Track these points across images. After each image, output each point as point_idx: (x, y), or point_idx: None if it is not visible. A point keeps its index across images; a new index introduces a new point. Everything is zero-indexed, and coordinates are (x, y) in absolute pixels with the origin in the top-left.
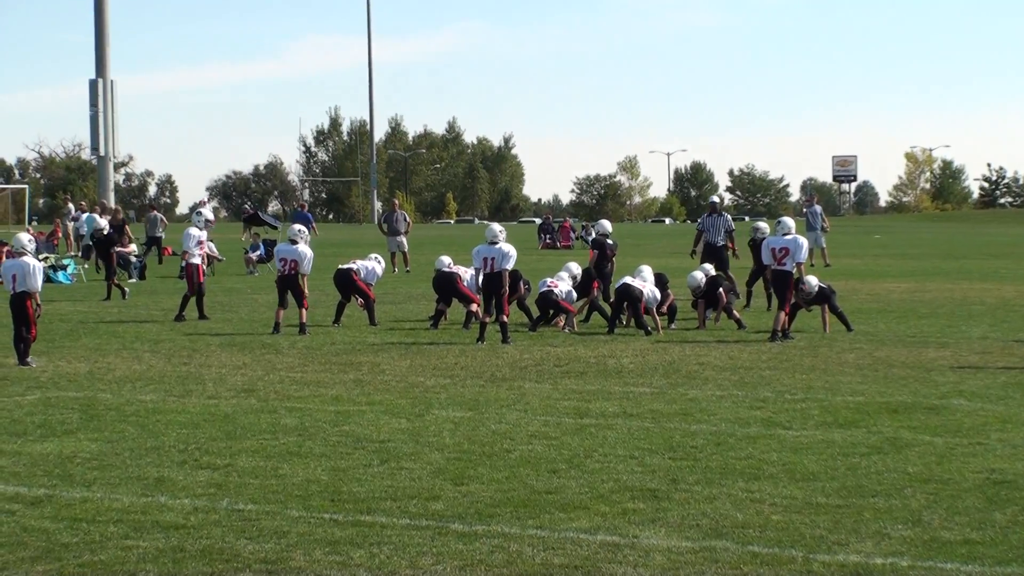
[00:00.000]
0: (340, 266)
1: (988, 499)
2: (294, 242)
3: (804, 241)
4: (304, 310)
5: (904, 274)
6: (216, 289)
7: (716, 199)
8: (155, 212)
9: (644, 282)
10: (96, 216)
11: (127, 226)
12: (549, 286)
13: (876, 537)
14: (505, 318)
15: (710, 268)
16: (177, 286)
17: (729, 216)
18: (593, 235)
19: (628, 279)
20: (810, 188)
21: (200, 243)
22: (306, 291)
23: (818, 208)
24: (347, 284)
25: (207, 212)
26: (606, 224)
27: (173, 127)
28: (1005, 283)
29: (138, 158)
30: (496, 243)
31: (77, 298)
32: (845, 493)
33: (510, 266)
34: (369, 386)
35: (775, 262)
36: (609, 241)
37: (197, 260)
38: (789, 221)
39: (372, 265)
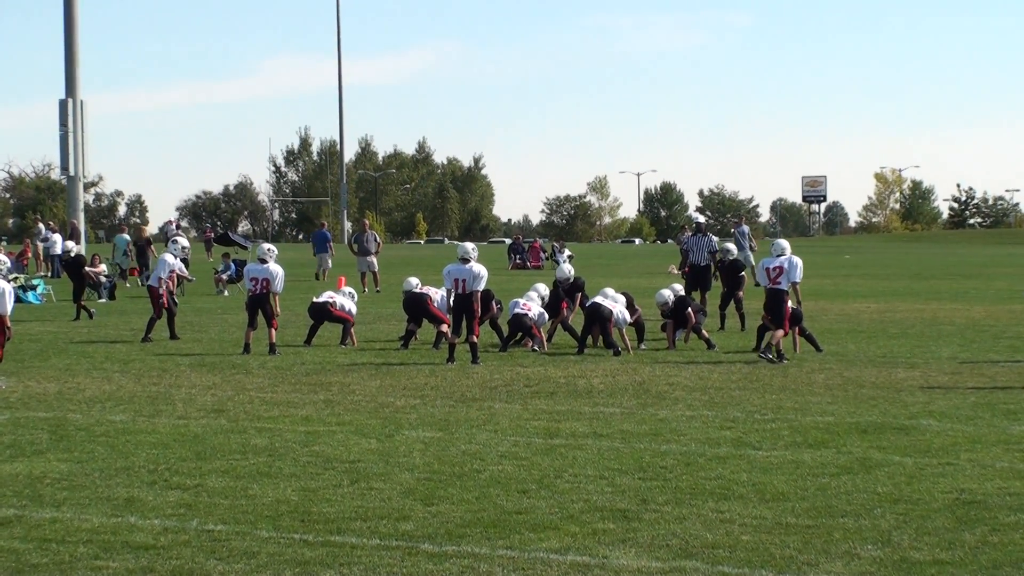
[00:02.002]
0: (315, 300)
1: (958, 519)
2: (264, 261)
3: (799, 261)
4: (273, 330)
5: (874, 294)
6: (186, 309)
7: (701, 219)
8: (178, 230)
9: (615, 303)
10: (126, 236)
11: (151, 246)
12: (522, 308)
13: (846, 557)
14: (475, 338)
15: (679, 287)
16: (146, 306)
17: (714, 237)
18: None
19: (598, 299)
20: (742, 210)
21: (172, 271)
22: (277, 310)
23: (745, 228)
24: (324, 316)
25: (183, 240)
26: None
27: (143, 147)
28: (974, 304)
29: (108, 178)
30: (468, 261)
31: (47, 318)
32: (815, 513)
33: (481, 287)
34: (339, 406)
35: (770, 282)
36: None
37: (154, 283)
38: (783, 242)
39: (347, 303)
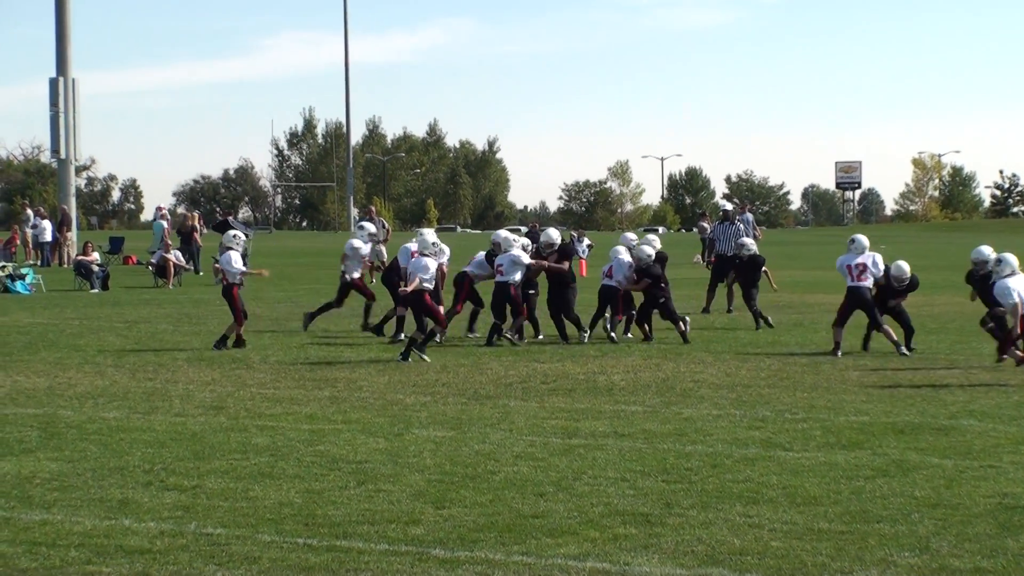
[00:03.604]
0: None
1: (1000, 525)
2: (228, 248)
3: (879, 257)
4: (236, 324)
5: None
6: (183, 300)
7: (728, 206)
8: (231, 219)
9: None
10: (164, 223)
11: (196, 234)
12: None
13: (881, 565)
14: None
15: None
16: (142, 297)
17: (741, 226)
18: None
19: (606, 280)
20: (744, 197)
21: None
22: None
23: (749, 216)
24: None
25: (242, 233)
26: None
27: (138, 128)
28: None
29: (101, 161)
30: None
31: (36, 309)
32: (848, 518)
33: (518, 277)
34: (345, 404)
35: (853, 279)
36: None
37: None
38: (863, 239)
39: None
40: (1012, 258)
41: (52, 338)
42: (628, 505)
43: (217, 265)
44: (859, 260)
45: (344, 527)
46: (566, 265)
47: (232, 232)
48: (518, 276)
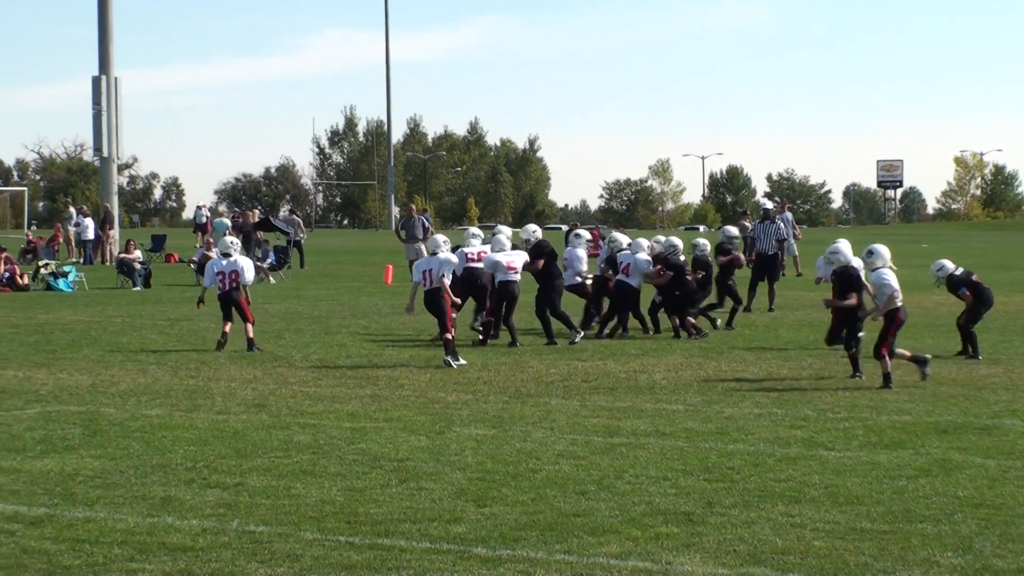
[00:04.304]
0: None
1: None
2: (228, 255)
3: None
4: (250, 324)
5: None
6: None
7: (769, 204)
8: (295, 215)
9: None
10: (226, 220)
11: (258, 232)
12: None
13: (924, 565)
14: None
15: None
16: (184, 295)
17: (782, 224)
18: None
19: (621, 277)
20: (785, 195)
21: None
22: (250, 299)
23: (789, 215)
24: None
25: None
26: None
27: (180, 127)
28: None
29: (143, 159)
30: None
31: (79, 306)
32: (891, 518)
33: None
34: (387, 401)
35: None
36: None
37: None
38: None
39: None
40: (884, 249)
41: (95, 336)
42: (670, 504)
43: (258, 264)
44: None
45: (386, 525)
46: (540, 263)
47: (229, 239)
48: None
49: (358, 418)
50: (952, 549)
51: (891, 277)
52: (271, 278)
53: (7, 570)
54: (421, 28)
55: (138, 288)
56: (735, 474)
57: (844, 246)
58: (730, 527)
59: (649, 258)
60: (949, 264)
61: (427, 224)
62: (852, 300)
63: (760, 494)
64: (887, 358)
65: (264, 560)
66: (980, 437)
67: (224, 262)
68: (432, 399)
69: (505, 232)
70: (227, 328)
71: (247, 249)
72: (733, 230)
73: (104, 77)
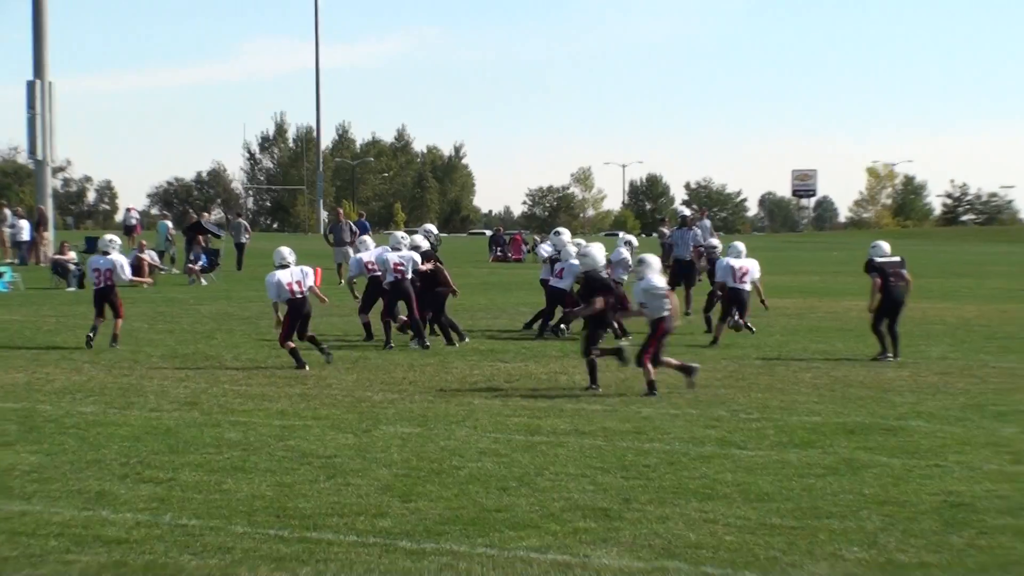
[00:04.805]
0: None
1: (945, 522)
2: (106, 253)
3: (756, 263)
4: (120, 320)
5: (863, 292)
6: (157, 299)
7: (687, 212)
8: (241, 219)
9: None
10: (168, 223)
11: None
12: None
13: (831, 559)
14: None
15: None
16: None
17: (698, 230)
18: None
19: (554, 281)
20: (703, 203)
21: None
22: (120, 300)
23: (707, 222)
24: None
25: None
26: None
27: (113, 131)
28: (966, 303)
29: (76, 163)
30: (108, 253)
31: (13, 306)
32: (800, 514)
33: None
34: (315, 400)
35: (736, 281)
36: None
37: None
38: (740, 245)
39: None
40: (655, 259)
41: (30, 335)
42: (588, 500)
43: (190, 265)
44: (742, 264)
45: (314, 519)
46: (428, 267)
47: (108, 237)
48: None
49: (287, 416)
50: (858, 544)
51: (662, 282)
52: (202, 280)
53: None
54: (351, 37)
55: (72, 288)
56: (651, 471)
57: (596, 249)
58: (645, 522)
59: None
60: (884, 247)
61: (366, 227)
62: (597, 305)
63: (675, 491)
64: (649, 366)
65: (196, 552)
66: (886, 437)
67: (101, 260)
68: (359, 398)
69: (400, 234)
70: (98, 323)
71: (188, 250)
72: (625, 252)
73: (39, 81)
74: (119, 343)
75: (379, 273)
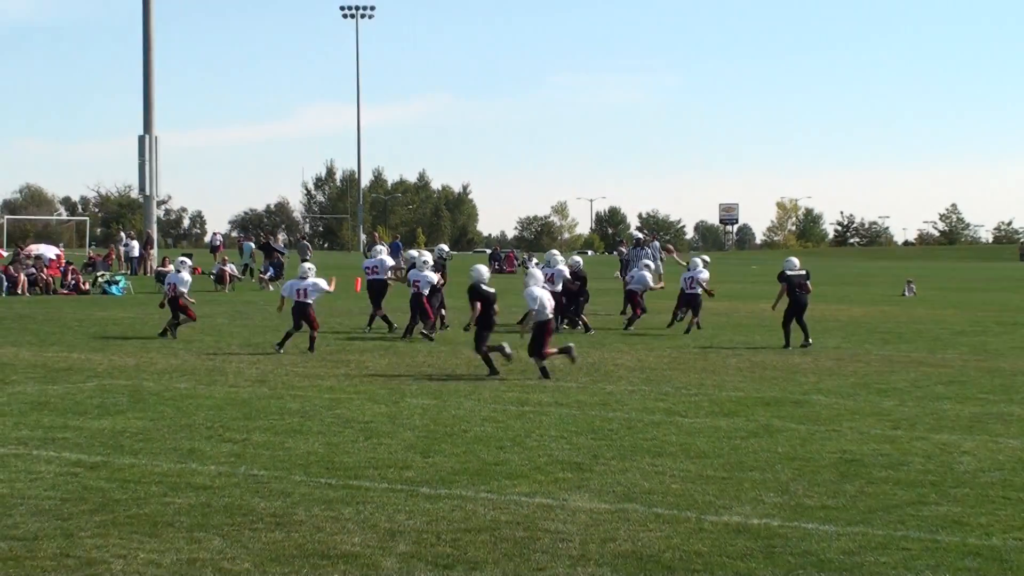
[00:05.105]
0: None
1: (841, 474)
2: (178, 271)
3: (706, 273)
4: (192, 320)
5: (774, 297)
6: (237, 301)
7: (639, 235)
8: (305, 240)
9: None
10: (251, 243)
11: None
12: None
13: (753, 503)
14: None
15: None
16: (205, 299)
17: (649, 249)
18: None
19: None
20: (652, 229)
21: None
22: (192, 299)
23: (656, 244)
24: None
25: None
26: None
27: (204, 172)
28: (854, 305)
29: (176, 197)
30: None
31: (127, 307)
32: (729, 468)
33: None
34: (356, 379)
35: (689, 288)
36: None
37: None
38: (698, 260)
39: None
40: (539, 272)
41: (138, 328)
42: (565, 456)
43: (261, 275)
44: (693, 275)
45: (355, 471)
46: (400, 273)
47: (180, 258)
48: (427, 289)
49: (335, 391)
50: (774, 491)
51: (541, 294)
52: (271, 286)
53: (72, 502)
54: (384, 102)
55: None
56: (613, 434)
57: (481, 268)
58: (610, 474)
59: (566, 269)
60: (794, 262)
61: (399, 247)
62: (475, 311)
63: (632, 449)
64: (540, 358)
65: (264, 496)
66: (794, 408)
67: (173, 276)
68: (390, 377)
69: (413, 252)
70: (174, 323)
71: (267, 264)
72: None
73: (147, 135)
74: (176, 337)
75: (378, 275)
